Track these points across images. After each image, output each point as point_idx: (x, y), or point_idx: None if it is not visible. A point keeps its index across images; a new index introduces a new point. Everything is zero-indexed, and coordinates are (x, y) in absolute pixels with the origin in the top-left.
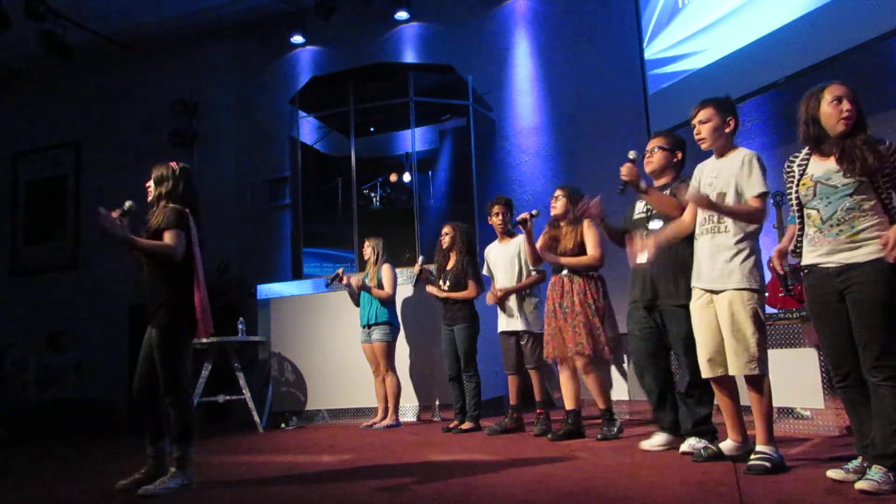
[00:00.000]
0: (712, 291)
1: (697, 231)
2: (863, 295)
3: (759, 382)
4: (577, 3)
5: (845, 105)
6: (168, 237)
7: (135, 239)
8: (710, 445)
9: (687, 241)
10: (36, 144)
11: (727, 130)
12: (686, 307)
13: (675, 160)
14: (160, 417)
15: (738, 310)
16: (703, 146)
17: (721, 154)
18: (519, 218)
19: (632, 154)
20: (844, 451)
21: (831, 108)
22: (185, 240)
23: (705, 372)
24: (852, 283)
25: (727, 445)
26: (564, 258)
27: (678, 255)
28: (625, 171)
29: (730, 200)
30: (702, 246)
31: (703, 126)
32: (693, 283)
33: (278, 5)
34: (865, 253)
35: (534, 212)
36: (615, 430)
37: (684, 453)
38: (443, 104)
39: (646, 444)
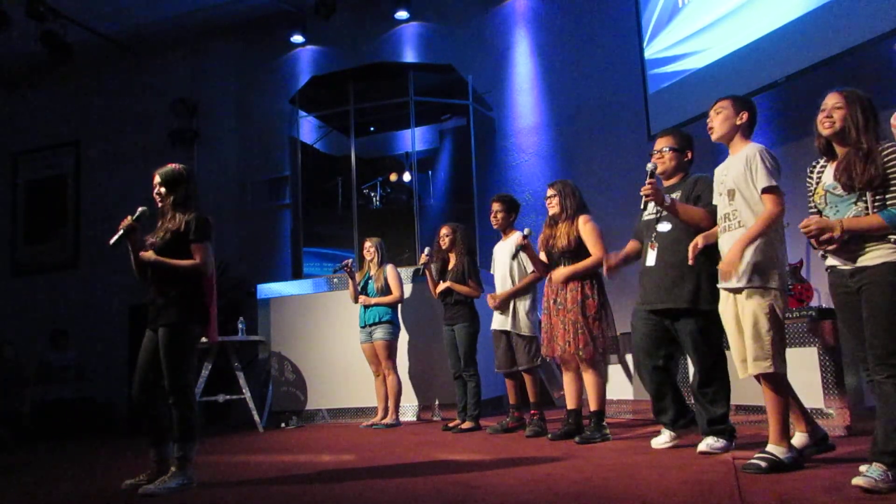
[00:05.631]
0: (733, 290)
1: (719, 228)
2: (871, 295)
3: (775, 381)
4: (577, 3)
5: (824, 114)
6: (197, 253)
7: (163, 260)
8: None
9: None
10: (36, 144)
11: (738, 122)
12: (690, 310)
13: (685, 159)
14: (161, 422)
15: (755, 309)
16: (713, 136)
17: (732, 150)
18: (515, 245)
19: (650, 166)
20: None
21: (819, 117)
22: (212, 252)
23: (739, 372)
24: (864, 283)
25: (797, 440)
26: (568, 268)
27: (684, 257)
28: (645, 188)
29: (742, 198)
30: (723, 243)
31: (716, 115)
32: (719, 283)
33: (278, 5)
34: (873, 257)
35: (525, 231)
36: (597, 436)
37: (702, 453)
38: (443, 104)
39: (654, 443)
